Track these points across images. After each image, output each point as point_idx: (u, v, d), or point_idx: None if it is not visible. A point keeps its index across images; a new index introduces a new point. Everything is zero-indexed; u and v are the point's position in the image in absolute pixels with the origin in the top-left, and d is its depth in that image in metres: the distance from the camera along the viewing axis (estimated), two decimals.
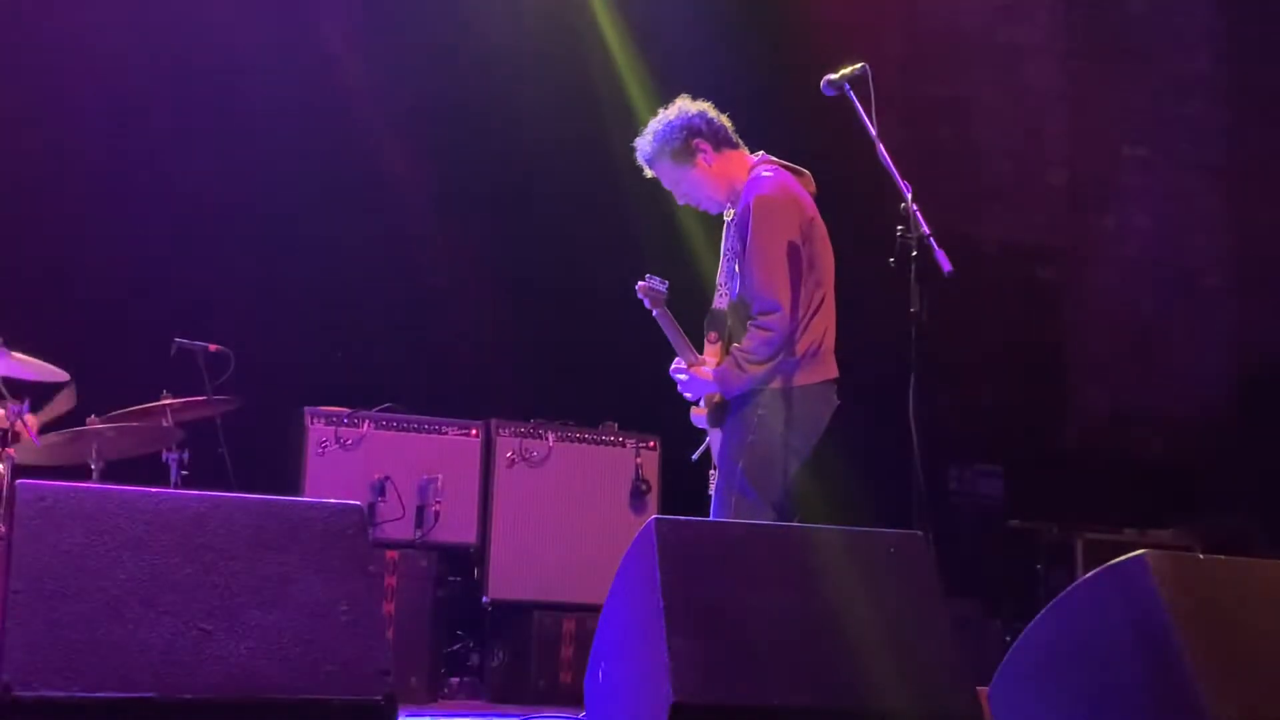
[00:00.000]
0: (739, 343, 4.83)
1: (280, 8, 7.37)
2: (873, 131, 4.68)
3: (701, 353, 5.00)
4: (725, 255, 5.01)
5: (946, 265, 4.45)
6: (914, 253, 4.51)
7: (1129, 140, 8.43)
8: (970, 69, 8.20)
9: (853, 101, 4.76)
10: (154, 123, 7.12)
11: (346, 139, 7.49)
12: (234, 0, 7.26)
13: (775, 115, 6.36)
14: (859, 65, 4.82)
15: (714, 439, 5.00)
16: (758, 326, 4.78)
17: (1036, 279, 8.31)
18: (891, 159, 4.62)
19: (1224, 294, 8.36)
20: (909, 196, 4.57)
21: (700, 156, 4.99)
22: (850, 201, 5.24)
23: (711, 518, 4.83)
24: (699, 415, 5.04)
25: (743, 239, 4.85)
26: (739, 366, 4.80)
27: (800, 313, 4.82)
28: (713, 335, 4.95)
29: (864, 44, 7.08)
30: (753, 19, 7.98)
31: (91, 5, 7.02)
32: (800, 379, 4.85)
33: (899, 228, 4.56)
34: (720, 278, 5.01)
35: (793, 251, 4.81)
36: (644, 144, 5.07)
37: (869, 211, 5.13)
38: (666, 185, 5.11)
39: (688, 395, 5.02)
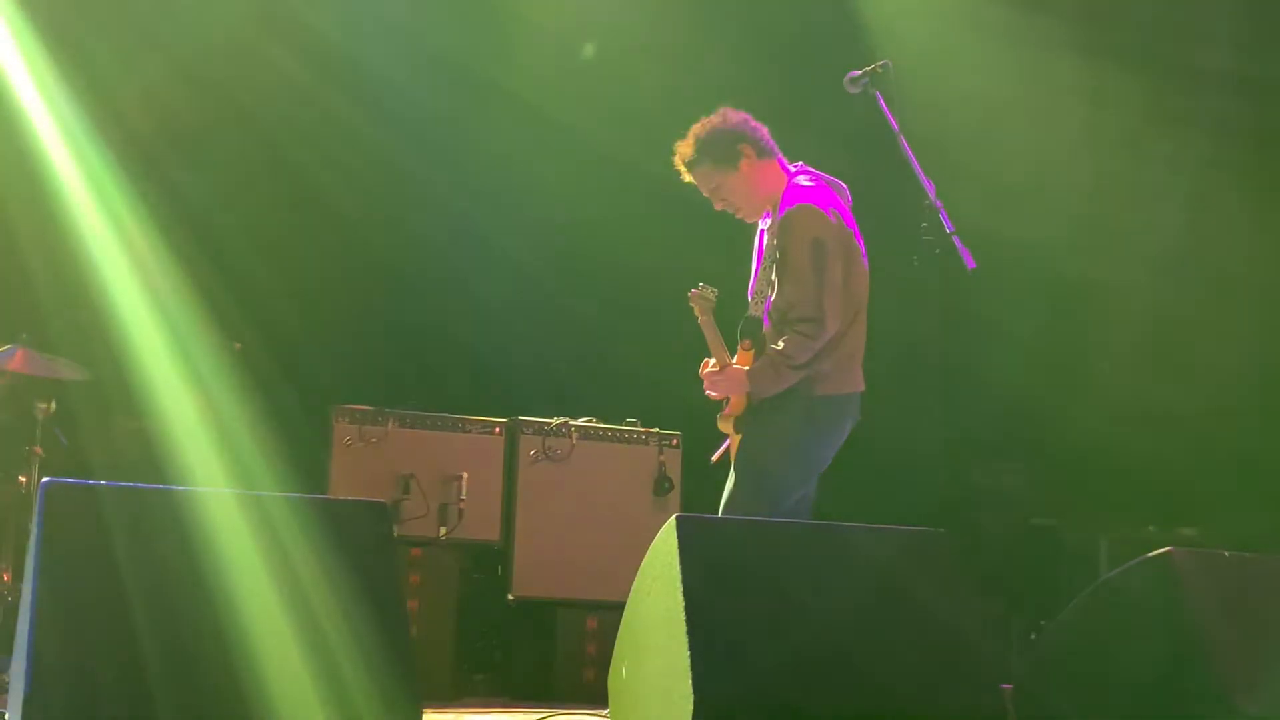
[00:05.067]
0: (776, 346, 4.81)
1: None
2: (896, 128, 4.69)
3: (734, 359, 4.99)
4: (761, 263, 4.99)
5: (970, 263, 4.45)
6: (937, 250, 4.51)
7: (1152, 135, 8.39)
8: (993, 63, 8.18)
9: (877, 98, 4.76)
10: (175, 119, 7.16)
11: (369, 138, 7.50)
12: None
13: (796, 114, 6.36)
14: (882, 62, 4.82)
15: (733, 444, 4.98)
16: (799, 333, 4.77)
17: (1060, 276, 8.27)
18: (914, 155, 4.63)
19: (1248, 290, 8.31)
20: (932, 194, 4.56)
21: (743, 162, 4.98)
22: (873, 198, 5.23)
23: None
24: (725, 421, 5.02)
25: (782, 247, 4.84)
26: (775, 369, 4.79)
27: (838, 323, 4.82)
28: (747, 343, 4.93)
29: (884, 39, 7.09)
30: (772, 17, 7.97)
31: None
32: (827, 389, 4.85)
33: (922, 225, 4.56)
34: (756, 285, 4.98)
35: (833, 262, 4.81)
36: (685, 147, 5.05)
37: (893, 208, 5.12)
38: (704, 190, 5.08)
39: (713, 394, 5.00)
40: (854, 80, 4.86)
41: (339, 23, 7.42)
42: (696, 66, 7.57)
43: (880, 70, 4.83)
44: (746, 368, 4.87)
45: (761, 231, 5.07)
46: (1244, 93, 7.87)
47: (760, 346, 4.89)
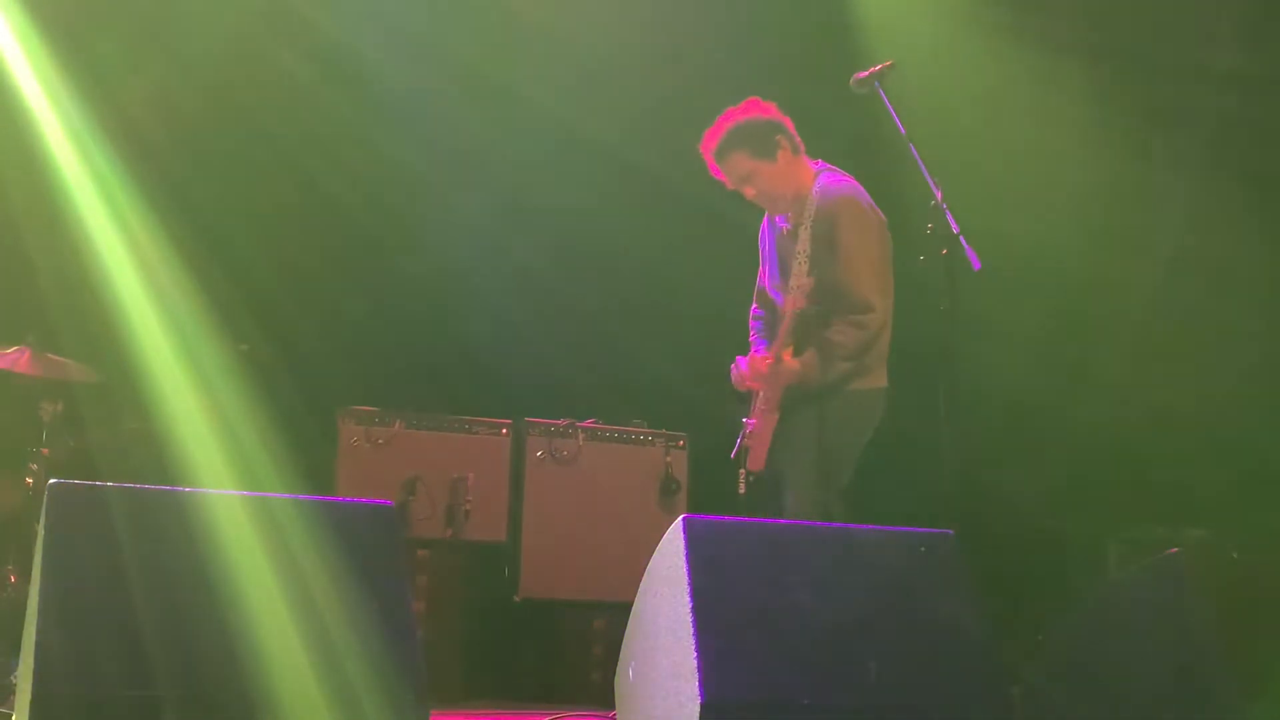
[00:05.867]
0: (827, 335, 4.81)
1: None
2: (904, 130, 4.69)
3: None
4: (790, 257, 4.97)
5: (976, 263, 4.46)
6: (944, 250, 4.51)
7: (1159, 136, 8.38)
8: (995, 63, 8.18)
9: (883, 99, 4.77)
10: (182, 120, 7.16)
11: (375, 138, 7.50)
12: None
13: (800, 115, 6.37)
14: (888, 63, 4.84)
15: (761, 438, 4.95)
16: (854, 324, 4.78)
17: (1066, 276, 8.26)
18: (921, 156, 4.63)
19: (1256, 290, 8.30)
20: (939, 195, 4.57)
21: (781, 154, 4.99)
22: (878, 198, 5.23)
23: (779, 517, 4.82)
24: (757, 415, 4.99)
25: (830, 236, 4.85)
26: (829, 358, 4.79)
27: (886, 310, 4.85)
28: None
29: (887, 40, 7.08)
30: (776, 17, 7.97)
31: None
32: (863, 383, 4.86)
33: (929, 225, 4.57)
34: (789, 280, 4.96)
35: (879, 251, 4.86)
36: (718, 135, 5.03)
37: (898, 209, 5.12)
38: (733, 179, 5.07)
39: (757, 385, 4.96)
40: (861, 81, 4.87)
41: (345, 23, 7.42)
42: (701, 67, 7.56)
43: (886, 71, 4.84)
44: (799, 360, 4.87)
45: (780, 229, 5.07)
46: (1246, 92, 7.87)
47: (797, 340, 4.88)
